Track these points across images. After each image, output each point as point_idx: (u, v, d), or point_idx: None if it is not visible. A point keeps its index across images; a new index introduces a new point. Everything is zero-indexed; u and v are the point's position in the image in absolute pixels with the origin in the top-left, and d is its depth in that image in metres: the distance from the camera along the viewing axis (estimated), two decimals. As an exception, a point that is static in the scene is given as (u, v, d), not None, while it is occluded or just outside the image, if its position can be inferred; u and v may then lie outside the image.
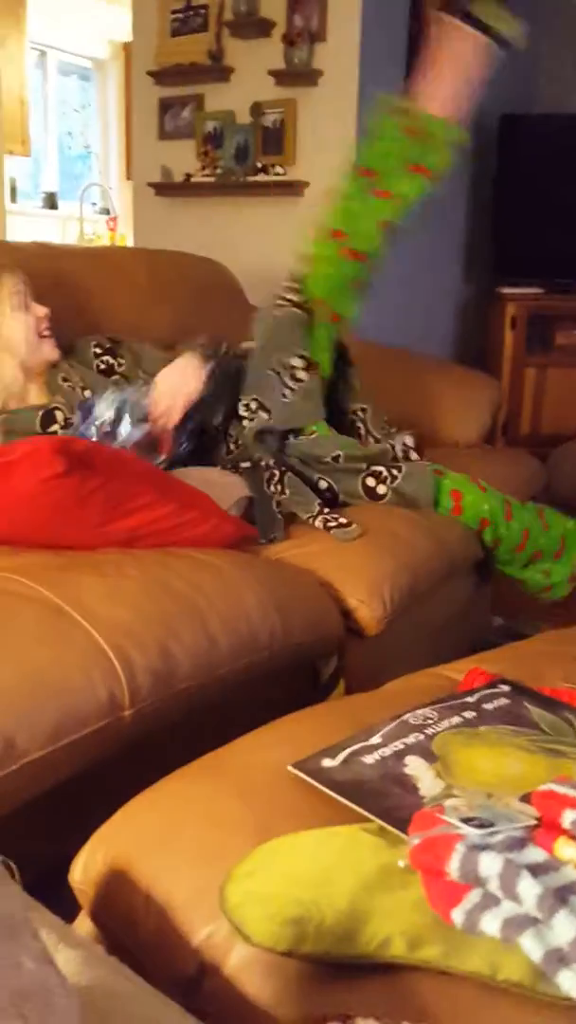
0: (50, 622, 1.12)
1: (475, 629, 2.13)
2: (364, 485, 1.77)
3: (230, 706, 1.29)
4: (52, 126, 6.04)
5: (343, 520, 1.64)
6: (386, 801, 0.85)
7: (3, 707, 1.00)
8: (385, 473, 1.77)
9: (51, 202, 5.93)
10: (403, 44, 3.51)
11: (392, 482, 1.76)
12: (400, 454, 1.87)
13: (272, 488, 1.72)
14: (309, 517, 1.67)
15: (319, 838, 0.81)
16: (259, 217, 3.52)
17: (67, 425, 1.69)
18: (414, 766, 0.91)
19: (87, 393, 1.78)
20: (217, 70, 3.45)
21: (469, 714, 1.01)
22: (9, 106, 4.92)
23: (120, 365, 1.89)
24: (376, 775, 0.89)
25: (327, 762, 0.91)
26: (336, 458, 1.76)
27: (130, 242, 5.29)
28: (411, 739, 0.95)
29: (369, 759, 0.92)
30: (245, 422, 1.81)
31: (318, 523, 1.65)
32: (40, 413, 1.70)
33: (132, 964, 0.69)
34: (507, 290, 4.10)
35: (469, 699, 1.04)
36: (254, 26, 3.33)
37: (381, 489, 1.77)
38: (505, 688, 1.07)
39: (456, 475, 1.84)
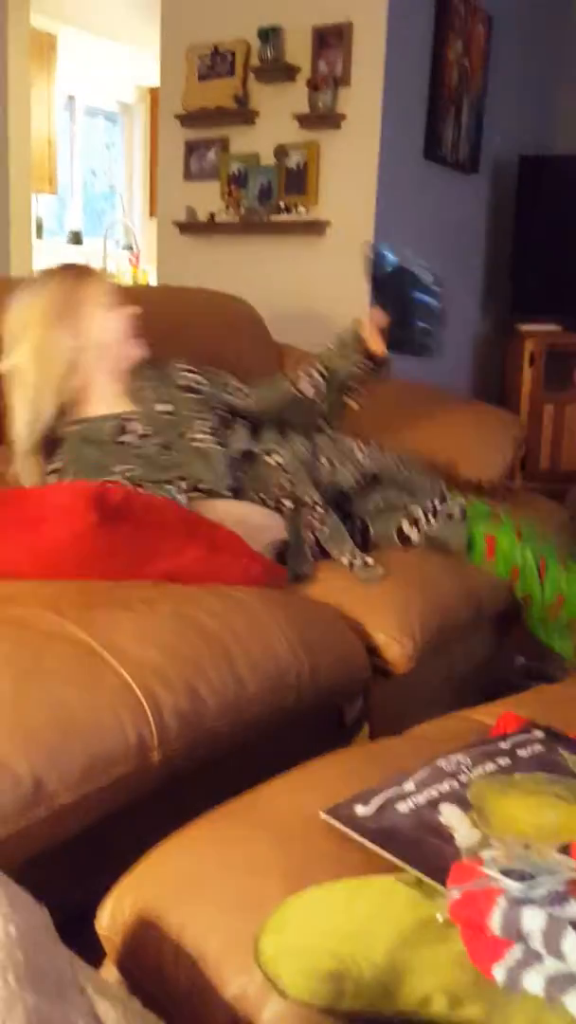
0: (79, 661, 1.12)
1: (497, 669, 2.11)
2: (399, 530, 1.78)
3: (254, 746, 1.28)
4: (78, 166, 6.16)
5: (368, 560, 1.64)
6: (422, 851, 0.84)
7: (33, 748, 0.99)
8: (423, 519, 1.78)
9: (76, 239, 6.02)
10: (425, 89, 3.57)
11: (427, 526, 1.77)
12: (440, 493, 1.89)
13: (312, 524, 1.71)
14: (339, 555, 1.67)
15: (354, 888, 0.79)
16: (282, 256, 3.56)
17: (144, 436, 1.71)
18: (449, 814, 0.89)
19: (167, 407, 1.79)
20: (242, 114, 3.51)
21: (503, 760, 0.99)
22: (38, 147, 5.03)
23: (201, 384, 1.87)
24: (410, 823, 0.88)
25: (360, 809, 0.90)
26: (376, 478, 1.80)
27: (152, 278, 5.37)
28: (445, 786, 0.93)
29: (403, 806, 0.90)
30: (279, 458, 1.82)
31: (344, 559, 1.65)
32: (113, 424, 1.72)
33: (162, 1015, 0.67)
34: (525, 327, 4.12)
35: (503, 745, 1.02)
36: (280, 71, 3.39)
37: (414, 535, 1.77)
38: (539, 734, 1.06)
39: (495, 521, 1.83)
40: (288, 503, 1.73)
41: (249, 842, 0.88)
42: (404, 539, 1.79)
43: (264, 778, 1.00)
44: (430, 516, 1.78)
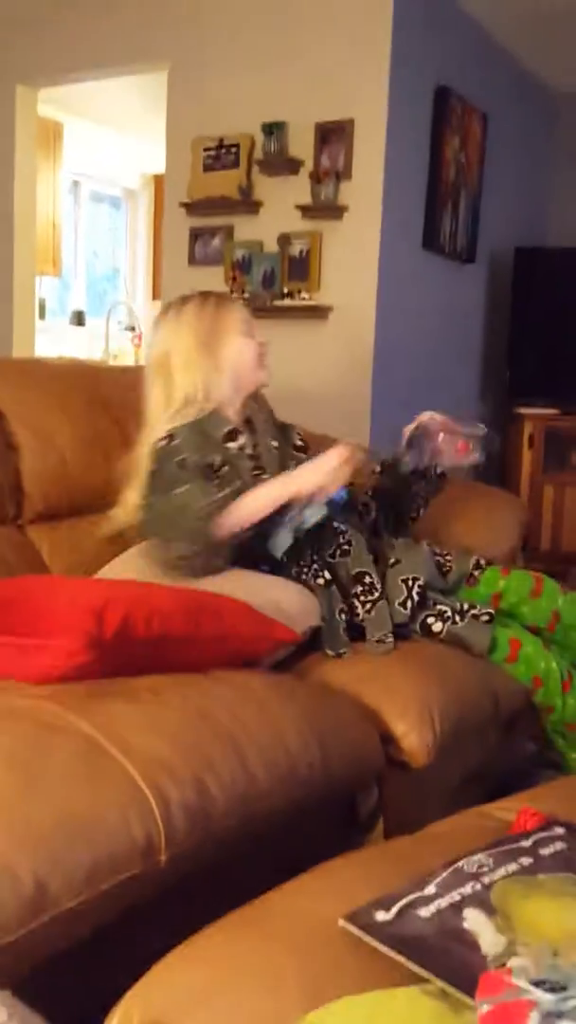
0: (83, 755, 1.08)
1: (509, 757, 2.06)
2: (423, 623, 1.75)
3: (265, 841, 1.24)
4: (82, 249, 6.30)
5: (387, 639, 1.67)
6: (447, 959, 0.80)
7: (37, 850, 0.95)
8: (448, 612, 1.76)
9: (79, 319, 6.13)
10: (423, 183, 3.68)
11: (452, 624, 1.75)
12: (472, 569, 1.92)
13: (356, 605, 1.73)
14: (372, 635, 1.69)
15: (377, 1001, 0.75)
16: (285, 339, 3.62)
17: (244, 450, 1.83)
18: (473, 919, 0.85)
19: (275, 443, 1.93)
20: (247, 203, 3.61)
21: (526, 860, 0.96)
22: (42, 230, 5.15)
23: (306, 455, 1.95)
24: (433, 929, 0.84)
25: (381, 915, 0.86)
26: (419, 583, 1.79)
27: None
28: (467, 889, 0.90)
29: (425, 912, 0.86)
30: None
31: (374, 639, 1.68)
32: (228, 428, 1.83)
33: None
34: (524, 410, 4.17)
35: (524, 843, 0.99)
36: (283, 164, 3.51)
37: (437, 627, 1.75)
38: (560, 831, 1.02)
39: (520, 626, 1.82)
40: (327, 575, 1.75)
41: (263, 952, 0.84)
42: (428, 631, 1.76)
43: (276, 875, 0.96)
44: (457, 617, 1.76)
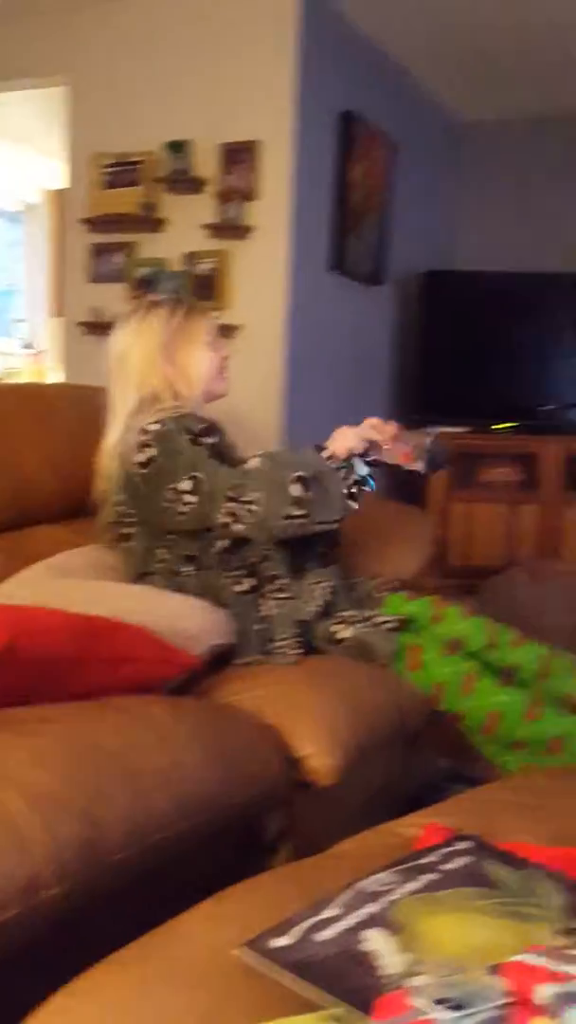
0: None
1: (420, 773, 2.06)
2: (329, 632, 1.76)
3: (167, 870, 1.19)
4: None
5: (292, 652, 1.68)
6: (346, 982, 0.77)
7: None
8: (355, 618, 1.78)
9: (-26, 337, 6.01)
10: (330, 206, 3.71)
11: (357, 627, 1.76)
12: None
13: (269, 602, 1.77)
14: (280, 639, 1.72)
15: (275, 1032, 0.72)
16: (192, 358, 3.60)
17: (215, 446, 1.86)
18: (375, 940, 0.83)
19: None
20: (150, 221, 3.58)
21: (429, 877, 0.94)
22: None
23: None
24: (333, 953, 0.81)
25: (279, 941, 0.83)
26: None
27: (53, 376, 5.37)
28: (369, 909, 0.87)
29: (325, 935, 0.84)
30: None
31: (277, 644, 1.71)
32: (203, 426, 1.86)
33: None
34: (435, 428, 4.23)
35: (428, 859, 0.97)
36: (187, 183, 3.48)
37: (344, 633, 1.76)
38: (465, 845, 1.01)
39: (425, 634, 1.84)
40: (252, 581, 1.80)
41: (160, 985, 0.80)
42: (334, 638, 1.77)
43: (181, 905, 0.92)
44: (362, 624, 1.78)
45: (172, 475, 1.76)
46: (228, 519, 1.73)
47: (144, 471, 1.78)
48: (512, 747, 1.75)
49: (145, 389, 1.87)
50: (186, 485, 1.75)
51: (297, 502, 1.70)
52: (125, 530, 1.87)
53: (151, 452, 1.78)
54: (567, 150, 4.64)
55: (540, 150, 4.69)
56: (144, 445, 1.79)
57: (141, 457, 1.79)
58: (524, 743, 1.72)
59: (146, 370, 1.88)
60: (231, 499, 1.72)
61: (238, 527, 1.73)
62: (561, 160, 4.65)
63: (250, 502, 1.71)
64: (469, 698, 1.75)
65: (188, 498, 1.75)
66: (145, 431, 1.80)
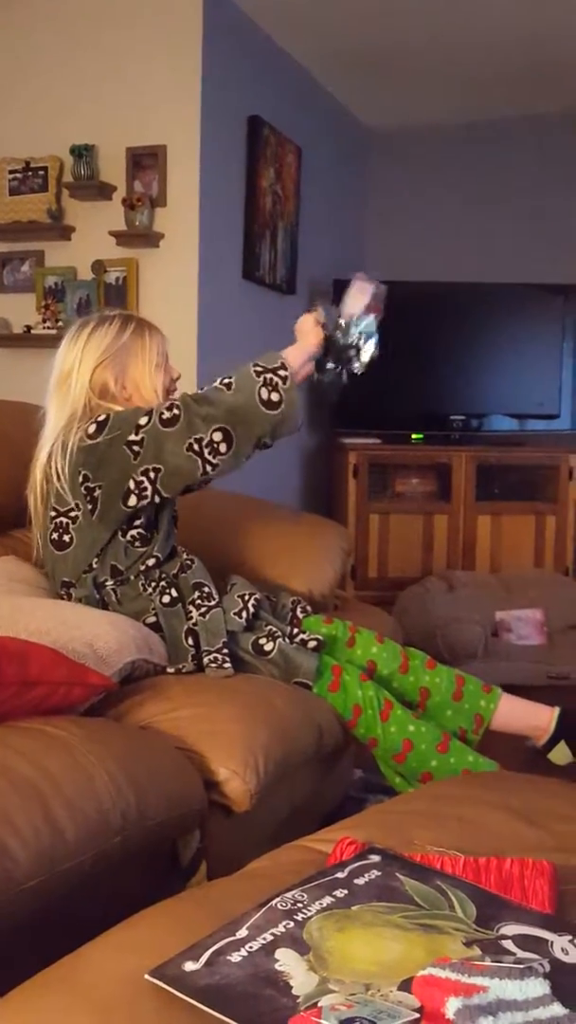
0: None
1: (336, 785, 2.06)
2: (255, 643, 1.76)
3: (79, 895, 1.16)
4: None
5: (227, 664, 1.67)
6: (256, 1005, 0.76)
7: None
8: (279, 633, 1.79)
9: None
10: (240, 213, 3.71)
11: (281, 641, 1.76)
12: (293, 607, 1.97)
13: (195, 608, 1.77)
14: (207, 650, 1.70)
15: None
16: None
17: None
18: (285, 960, 0.82)
19: None
20: (57, 228, 3.52)
21: (340, 892, 0.93)
22: None
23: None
24: (244, 975, 0.80)
25: (189, 965, 0.81)
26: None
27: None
28: (281, 928, 0.86)
29: (236, 956, 0.82)
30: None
31: (207, 658, 1.69)
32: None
33: None
34: (348, 440, 4.26)
35: (340, 874, 0.97)
36: (94, 189, 3.44)
37: (268, 647, 1.75)
38: (376, 858, 1.01)
39: (341, 656, 1.86)
40: (173, 593, 1.78)
41: (65, 1016, 0.77)
42: (259, 650, 1.76)
43: (96, 931, 0.89)
44: (287, 639, 1.79)
45: (126, 423, 1.75)
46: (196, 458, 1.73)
47: (96, 435, 1.75)
48: (421, 779, 1.78)
49: (82, 404, 1.83)
50: (144, 420, 1.74)
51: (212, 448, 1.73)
52: (66, 536, 1.81)
53: (102, 420, 1.77)
54: (478, 158, 4.74)
55: (450, 158, 4.78)
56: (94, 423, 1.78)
57: (92, 427, 1.76)
58: (433, 775, 1.76)
59: (89, 386, 1.83)
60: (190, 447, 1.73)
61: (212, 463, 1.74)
62: (471, 168, 4.75)
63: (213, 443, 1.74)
64: (387, 724, 1.76)
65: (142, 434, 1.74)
66: (89, 427, 1.78)
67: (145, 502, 1.75)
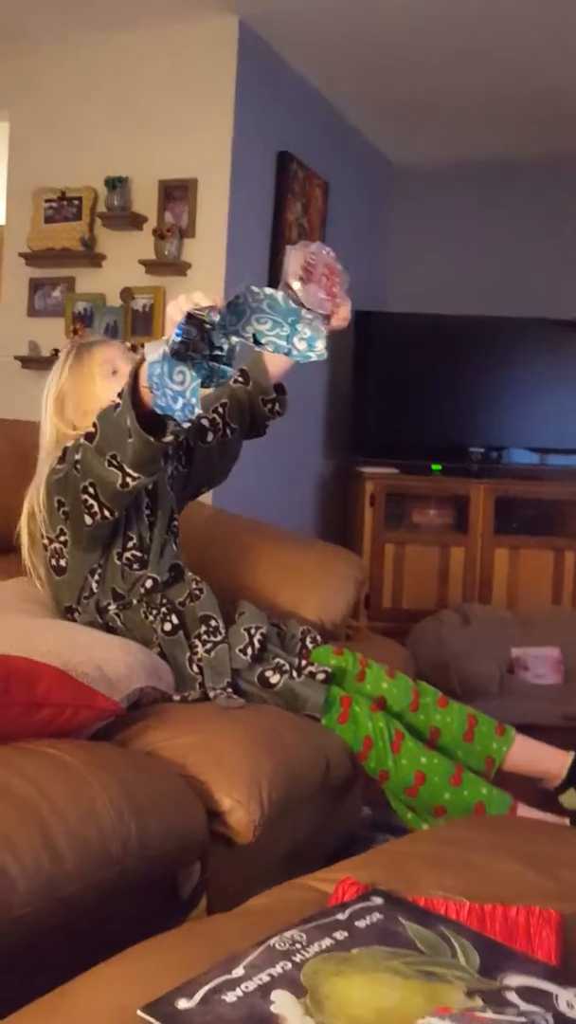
0: None
1: (343, 822, 2.03)
2: (261, 676, 1.75)
3: (77, 925, 1.15)
4: None
5: (234, 694, 1.67)
6: (250, 1050, 0.75)
7: None
8: (286, 667, 1.77)
9: None
10: (267, 246, 3.75)
11: (288, 676, 1.75)
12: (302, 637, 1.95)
13: (198, 645, 1.76)
14: (212, 687, 1.70)
15: None
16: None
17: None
18: (281, 1003, 0.81)
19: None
20: (89, 256, 3.58)
21: (340, 934, 0.92)
22: None
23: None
24: (239, 1016, 0.79)
25: (183, 1003, 0.80)
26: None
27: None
28: (278, 969, 0.85)
29: (231, 996, 0.81)
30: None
31: (212, 693, 1.68)
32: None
33: None
34: (365, 469, 4.26)
35: (340, 916, 0.95)
36: (126, 219, 3.50)
37: (275, 679, 1.74)
38: (378, 901, 0.99)
39: (351, 688, 1.84)
40: (174, 620, 1.78)
41: (54, 1053, 0.76)
42: (265, 683, 1.75)
43: (92, 961, 0.88)
44: (294, 672, 1.78)
45: (77, 445, 1.71)
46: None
47: (60, 463, 1.76)
48: (434, 813, 1.75)
49: (54, 439, 1.87)
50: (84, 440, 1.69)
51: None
52: (62, 561, 1.82)
53: (66, 448, 1.77)
54: (501, 195, 4.77)
55: (473, 194, 4.82)
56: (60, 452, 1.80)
57: (57, 457, 1.79)
58: (446, 808, 1.73)
59: (59, 421, 1.88)
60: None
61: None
62: (494, 204, 4.78)
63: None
64: (399, 756, 1.74)
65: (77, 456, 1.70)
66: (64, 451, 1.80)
67: (99, 518, 1.71)
